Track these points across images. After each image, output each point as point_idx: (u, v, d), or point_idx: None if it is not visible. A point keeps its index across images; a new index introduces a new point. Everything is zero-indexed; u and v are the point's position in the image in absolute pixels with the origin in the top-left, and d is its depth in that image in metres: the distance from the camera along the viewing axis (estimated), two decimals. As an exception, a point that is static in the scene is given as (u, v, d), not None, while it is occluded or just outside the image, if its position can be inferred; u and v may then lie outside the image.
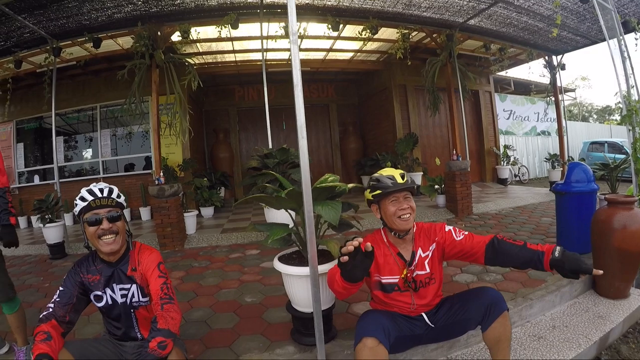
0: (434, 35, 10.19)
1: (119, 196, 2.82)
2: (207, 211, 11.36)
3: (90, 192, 2.72)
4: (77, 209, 2.74)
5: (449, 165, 9.68)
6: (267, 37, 9.78)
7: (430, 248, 3.06)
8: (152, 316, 2.71)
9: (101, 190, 2.74)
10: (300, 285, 3.52)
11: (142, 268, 2.81)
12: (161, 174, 8.33)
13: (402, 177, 2.94)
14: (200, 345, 3.76)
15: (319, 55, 12.91)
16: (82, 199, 2.72)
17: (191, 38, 8.82)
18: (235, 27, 8.33)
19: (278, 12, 8.76)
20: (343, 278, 2.53)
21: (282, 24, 9.09)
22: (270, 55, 12.21)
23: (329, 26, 8.78)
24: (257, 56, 12.41)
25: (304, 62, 13.13)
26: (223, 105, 15.48)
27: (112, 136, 13.50)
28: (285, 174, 7.57)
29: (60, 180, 9.76)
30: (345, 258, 2.37)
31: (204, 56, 12.03)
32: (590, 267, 2.49)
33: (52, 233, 8.34)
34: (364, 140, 16.22)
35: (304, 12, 8.73)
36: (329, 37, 10.62)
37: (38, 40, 9.10)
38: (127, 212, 12.30)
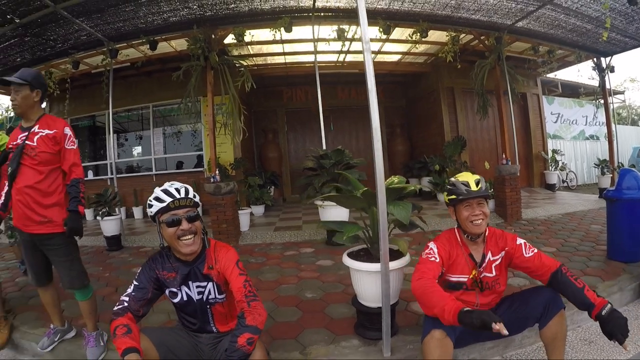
0: (482, 38, 10.13)
1: (194, 195, 2.82)
2: (258, 209, 11.52)
3: (167, 192, 2.74)
4: (152, 210, 2.76)
5: (499, 169, 9.59)
6: (319, 40, 9.90)
7: (500, 254, 3.15)
8: (227, 311, 2.91)
9: (178, 190, 2.75)
10: (369, 281, 3.62)
11: (219, 266, 2.85)
12: (217, 172, 8.51)
13: (477, 184, 3.03)
14: (267, 337, 3.86)
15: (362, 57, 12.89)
16: (158, 199, 2.74)
17: (245, 41, 8.95)
18: (289, 30, 8.50)
19: (329, 16, 8.88)
20: (457, 320, 2.51)
21: (335, 27, 9.18)
22: (318, 57, 12.27)
23: (380, 29, 8.85)
24: (306, 58, 12.66)
25: (352, 65, 13.26)
26: (271, 106, 15.62)
27: (164, 135, 13.87)
28: (341, 174, 7.67)
29: (111, 176, 10.07)
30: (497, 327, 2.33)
31: (253, 58, 12.23)
32: (622, 339, 2.57)
33: (109, 226, 8.64)
34: (411, 142, 16.13)
35: (355, 16, 8.81)
36: (379, 40, 10.69)
37: (94, 42, 9.40)
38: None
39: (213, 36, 8.65)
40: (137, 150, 14.69)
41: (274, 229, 9.32)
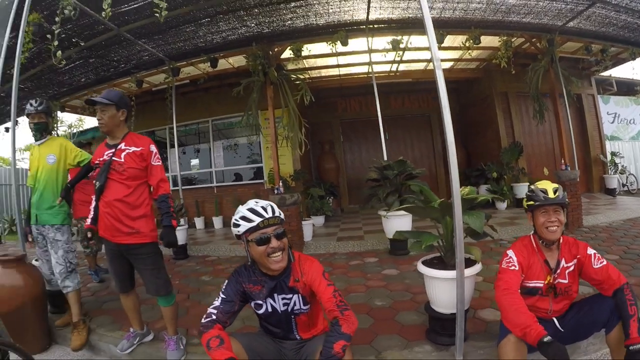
0: (534, 40, 10.06)
1: (280, 212, 2.89)
2: (319, 220, 11.60)
3: (255, 212, 2.80)
4: (240, 229, 2.82)
5: (558, 175, 9.39)
6: (374, 51, 10.04)
7: (573, 262, 3.24)
8: (310, 320, 3.06)
9: (265, 209, 2.81)
10: (443, 288, 3.76)
11: (306, 279, 2.94)
12: (280, 184, 8.71)
13: (555, 192, 3.14)
14: (342, 342, 4.00)
15: (420, 66, 12.97)
16: (246, 219, 2.80)
17: (302, 55, 9.15)
18: (345, 43, 8.65)
19: (383, 27, 9.00)
20: (536, 346, 2.72)
21: (388, 38, 9.33)
22: (365, 68, 12.45)
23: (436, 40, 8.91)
24: (360, 69, 12.80)
25: (405, 74, 13.34)
26: (326, 117, 15.67)
27: (223, 148, 14.21)
28: (404, 185, 7.75)
29: (175, 188, 10.42)
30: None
31: (308, 71, 12.43)
32: None
33: (178, 235, 8.82)
34: (466, 149, 15.81)
35: (407, 26, 8.92)
36: (428, 49, 10.73)
37: (156, 61, 9.80)
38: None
39: (270, 52, 8.90)
40: (194, 162, 15.09)
41: (336, 239, 9.41)
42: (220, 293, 2.99)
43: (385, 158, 9.13)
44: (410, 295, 5.33)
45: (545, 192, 3.15)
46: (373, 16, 8.48)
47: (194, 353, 4.27)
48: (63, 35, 7.58)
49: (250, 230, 2.78)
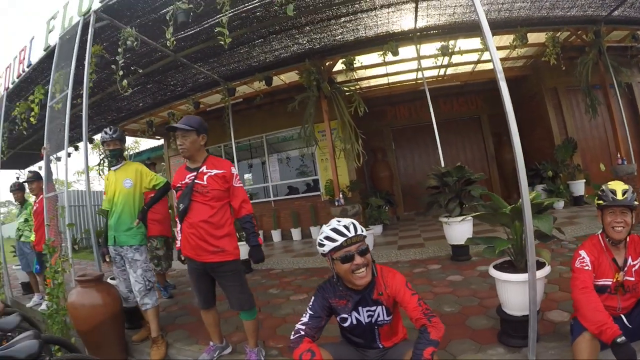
0: (579, 33, 9.97)
1: (361, 229, 2.98)
2: (377, 229, 11.59)
3: (338, 231, 2.91)
4: (325, 249, 2.96)
5: (615, 170, 9.29)
6: (423, 57, 10.12)
7: (639, 259, 3.32)
8: (392, 329, 3.20)
9: (347, 228, 2.91)
10: (515, 291, 3.86)
11: (390, 291, 3.05)
12: (340, 195, 8.85)
13: (624, 193, 3.27)
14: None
15: (467, 68, 13.01)
16: (330, 239, 2.93)
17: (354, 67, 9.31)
18: (395, 53, 8.76)
19: (431, 33, 9.09)
20: (609, 344, 2.85)
21: (437, 44, 9.45)
22: (413, 75, 12.62)
23: (482, 42, 8.91)
24: (408, 76, 12.93)
25: (453, 77, 13.34)
26: (377, 125, 15.62)
27: (279, 162, 14.46)
28: (464, 190, 7.80)
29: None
30: None
31: (358, 82, 12.40)
32: None
33: (241, 250, 9.04)
34: None
35: (453, 31, 8.99)
36: (477, 50, 10.74)
37: (211, 83, 10.16)
38: (297, 232, 13.13)
39: (322, 67, 9.09)
40: (247, 177, 15.45)
41: (397, 247, 9.44)
42: (308, 309, 3.14)
43: (439, 163, 9.25)
44: (478, 300, 5.40)
45: (614, 193, 3.28)
46: (420, 24, 8.57)
47: (273, 364, 4.43)
48: (122, 64, 7.92)
49: (335, 249, 2.91)
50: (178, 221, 4.31)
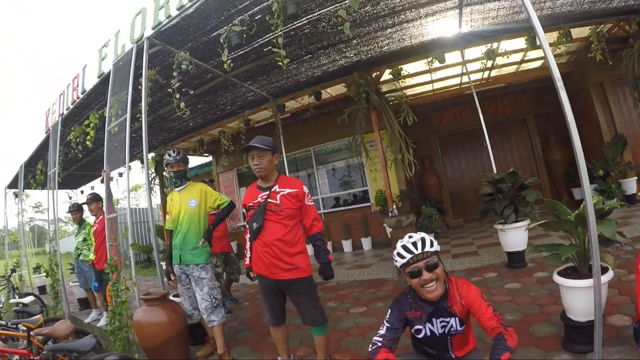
0: (621, 24, 9.76)
1: (431, 245, 3.10)
2: None
3: (406, 248, 3.08)
4: (397, 264, 3.17)
5: None
6: (468, 62, 10.21)
7: None
8: (464, 339, 3.26)
9: (415, 245, 3.07)
10: (580, 296, 3.91)
11: (464, 302, 3.13)
12: (394, 206, 8.89)
13: None
14: (483, 354, 4.17)
15: (511, 69, 12.85)
16: (400, 255, 3.11)
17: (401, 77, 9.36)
18: (442, 61, 8.76)
19: (475, 38, 9.05)
20: None
21: (483, 47, 9.51)
22: (463, 78, 12.54)
23: (527, 41, 8.86)
24: (452, 82, 12.89)
25: (497, 79, 13.19)
26: (423, 133, 15.39)
27: (327, 174, 14.61)
28: (519, 196, 7.77)
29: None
30: None
31: (403, 90, 12.58)
32: None
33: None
34: (567, 148, 14.24)
35: (498, 33, 8.94)
36: (521, 50, 10.64)
37: (259, 100, 10.38)
38: (348, 244, 13.15)
39: (369, 78, 9.18)
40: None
41: (451, 256, 9.37)
42: (385, 322, 3.26)
43: (494, 169, 9.18)
44: (538, 307, 5.39)
45: None
46: (465, 29, 8.56)
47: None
48: (175, 87, 8.15)
49: (404, 265, 3.08)
50: (249, 239, 4.43)
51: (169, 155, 5.54)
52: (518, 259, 7.66)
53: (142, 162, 13.12)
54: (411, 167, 9.04)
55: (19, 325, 5.75)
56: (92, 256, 8.48)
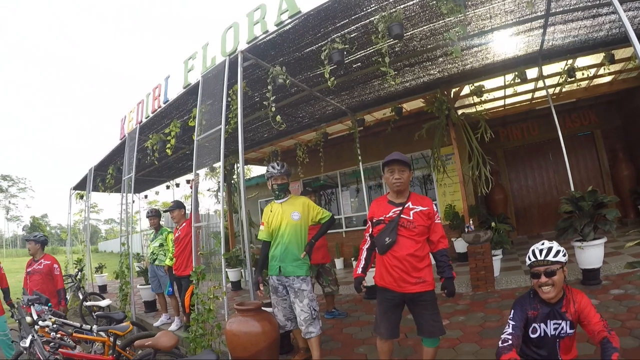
0: None
1: (555, 255, 3.48)
2: (496, 253, 11.34)
3: (533, 252, 3.56)
4: (526, 264, 3.62)
5: None
6: (547, 77, 10.01)
7: None
8: (570, 343, 3.57)
9: (540, 252, 3.50)
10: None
11: (577, 307, 3.49)
12: (470, 221, 8.87)
13: None
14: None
15: (583, 84, 12.55)
16: (529, 257, 3.60)
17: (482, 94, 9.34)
18: (524, 78, 8.81)
19: (555, 54, 8.96)
20: None
21: (565, 64, 9.42)
22: (528, 95, 12.54)
23: (605, 59, 8.75)
24: (523, 97, 12.81)
25: (568, 94, 12.92)
26: (491, 147, 14.77)
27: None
28: (599, 214, 7.71)
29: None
30: None
31: (475, 106, 12.38)
32: None
33: (370, 276, 9.16)
34: (634, 164, 14.18)
35: (576, 50, 8.83)
36: (594, 65, 10.44)
37: (338, 114, 10.47)
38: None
39: (450, 95, 9.21)
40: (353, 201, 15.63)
41: (523, 272, 9.26)
42: (510, 321, 3.56)
43: (572, 186, 8.98)
44: (619, 322, 5.46)
45: None
46: (547, 44, 8.48)
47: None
48: (257, 99, 8.27)
49: (529, 266, 3.58)
50: (378, 252, 4.51)
51: (273, 168, 5.64)
52: (593, 277, 7.66)
53: (212, 170, 13.35)
54: (488, 184, 8.98)
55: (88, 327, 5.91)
56: (168, 262, 8.66)
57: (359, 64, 7.46)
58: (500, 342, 3.42)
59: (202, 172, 16.74)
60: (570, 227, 7.90)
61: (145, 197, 18.26)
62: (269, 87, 6.97)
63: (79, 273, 12.97)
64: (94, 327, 5.81)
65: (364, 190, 11.22)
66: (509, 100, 12.89)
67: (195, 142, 7.20)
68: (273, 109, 7.10)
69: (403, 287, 4.29)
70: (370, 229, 4.63)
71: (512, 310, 3.63)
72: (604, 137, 14.63)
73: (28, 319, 5.09)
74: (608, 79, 12.50)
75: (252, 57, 6.79)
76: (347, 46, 6.34)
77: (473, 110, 11.36)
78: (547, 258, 3.47)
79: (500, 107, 13.29)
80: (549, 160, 14.94)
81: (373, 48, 6.96)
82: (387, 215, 4.38)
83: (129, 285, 10.03)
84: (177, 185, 18.11)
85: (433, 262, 4.34)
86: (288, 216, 5.53)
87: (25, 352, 4.60)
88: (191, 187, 7.55)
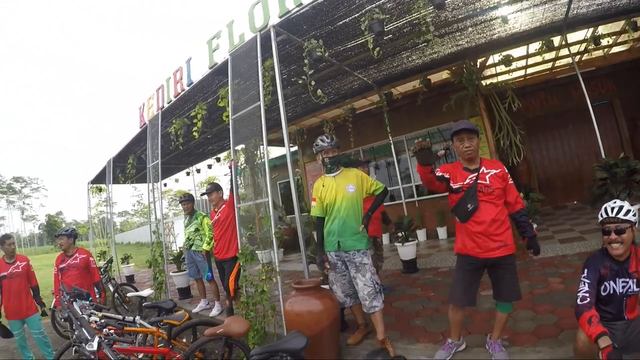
0: None
1: (626, 214, 3.62)
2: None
3: (605, 210, 3.74)
4: (599, 221, 3.79)
5: None
6: (571, 44, 9.88)
7: None
8: (635, 302, 3.69)
9: (612, 210, 3.67)
10: None
11: None
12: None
13: None
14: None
15: (600, 53, 12.46)
16: (600, 214, 3.78)
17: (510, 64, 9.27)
18: (551, 45, 8.81)
19: (583, 20, 8.89)
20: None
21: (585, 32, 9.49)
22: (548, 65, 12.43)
23: (629, 26, 8.81)
24: (543, 67, 12.77)
25: (587, 62, 12.84)
26: (512, 117, 14.66)
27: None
28: (633, 180, 7.71)
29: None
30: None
31: (497, 77, 12.40)
32: None
33: (407, 250, 9.35)
34: None
35: (600, 18, 8.82)
36: (613, 34, 10.42)
37: (363, 89, 10.45)
38: (443, 230, 12.96)
39: (477, 65, 9.13)
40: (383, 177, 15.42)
41: (557, 241, 9.16)
42: (584, 279, 3.67)
43: (603, 154, 8.99)
44: None
45: None
46: (571, 14, 8.43)
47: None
48: (285, 76, 8.21)
49: (601, 222, 3.76)
50: (458, 220, 4.48)
51: (323, 141, 5.54)
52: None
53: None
54: (519, 152, 8.91)
55: (133, 321, 5.71)
56: (205, 246, 8.63)
57: (390, 36, 7.38)
58: (578, 300, 3.50)
59: (223, 155, 16.64)
60: (607, 194, 7.95)
61: (165, 185, 18.24)
62: (305, 61, 6.88)
63: (108, 265, 12.94)
64: (137, 318, 5.74)
65: (395, 163, 11.90)
66: (529, 70, 12.78)
67: (230, 120, 7.12)
68: (313, 83, 7.05)
69: (487, 252, 4.26)
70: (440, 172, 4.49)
71: (586, 269, 3.71)
72: (623, 106, 14.51)
73: (92, 318, 4.91)
74: (626, 46, 12.32)
75: (284, 32, 6.69)
76: (387, 16, 6.28)
77: (494, 80, 11.24)
78: (618, 216, 3.61)
79: (521, 77, 13.19)
80: (570, 130, 14.84)
81: (405, 20, 6.91)
82: (464, 182, 4.35)
83: (163, 274, 10.04)
84: (198, 171, 18.17)
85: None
86: (343, 189, 5.44)
87: (87, 353, 4.05)
88: (230, 167, 7.49)
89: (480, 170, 4.34)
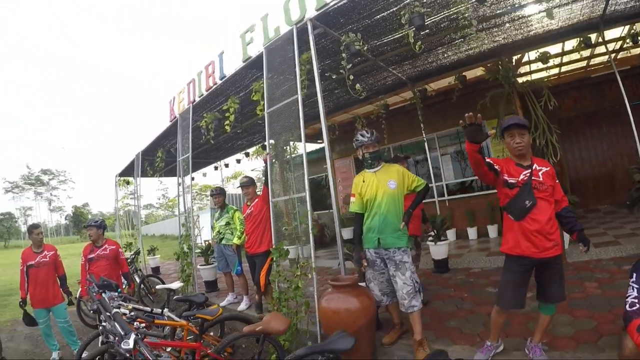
0: None
1: None
2: None
3: None
4: None
5: None
6: (608, 42, 9.68)
7: None
8: None
9: None
10: None
11: None
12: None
13: None
14: None
15: (637, 50, 12.21)
16: None
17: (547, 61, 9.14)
18: (590, 43, 8.70)
19: (619, 17, 8.69)
20: None
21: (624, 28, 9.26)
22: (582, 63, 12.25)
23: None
24: (575, 65, 12.57)
25: (623, 61, 12.43)
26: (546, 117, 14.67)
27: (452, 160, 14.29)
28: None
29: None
30: None
31: (531, 74, 12.26)
32: None
33: (440, 250, 9.26)
34: None
35: (631, 18, 8.63)
36: None
37: (397, 84, 10.35)
38: (473, 231, 12.84)
39: (512, 62, 9.04)
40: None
41: (593, 245, 8.28)
42: (633, 284, 3.55)
43: (640, 153, 8.74)
44: None
45: None
46: (608, 11, 8.26)
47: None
48: (319, 71, 8.16)
49: None
50: (512, 219, 4.30)
51: (363, 136, 5.45)
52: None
53: (264, 149, 13.33)
54: (556, 152, 8.75)
55: (163, 315, 5.63)
56: (236, 240, 8.63)
57: (427, 30, 7.29)
58: (627, 306, 3.38)
59: (251, 150, 16.68)
60: (644, 195, 7.73)
61: (192, 179, 18.39)
62: (343, 54, 6.82)
63: (135, 256, 13.00)
64: (165, 310, 5.69)
65: (429, 160, 11.98)
66: (564, 68, 12.61)
67: (266, 114, 7.10)
68: (351, 77, 7.00)
69: (542, 252, 4.11)
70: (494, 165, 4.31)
71: (634, 273, 3.57)
72: (646, 110, 14.10)
73: (121, 310, 4.91)
74: (661, 45, 12.01)
75: (320, 25, 6.61)
76: (429, 10, 6.20)
77: (530, 78, 11.09)
78: None
79: (555, 75, 12.97)
80: (603, 131, 14.56)
81: (443, 14, 6.83)
82: (519, 179, 4.21)
83: (192, 266, 10.08)
84: (227, 165, 18.22)
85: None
86: (384, 185, 5.34)
87: (121, 351, 3.71)
88: (265, 161, 7.47)
89: (533, 167, 4.24)
